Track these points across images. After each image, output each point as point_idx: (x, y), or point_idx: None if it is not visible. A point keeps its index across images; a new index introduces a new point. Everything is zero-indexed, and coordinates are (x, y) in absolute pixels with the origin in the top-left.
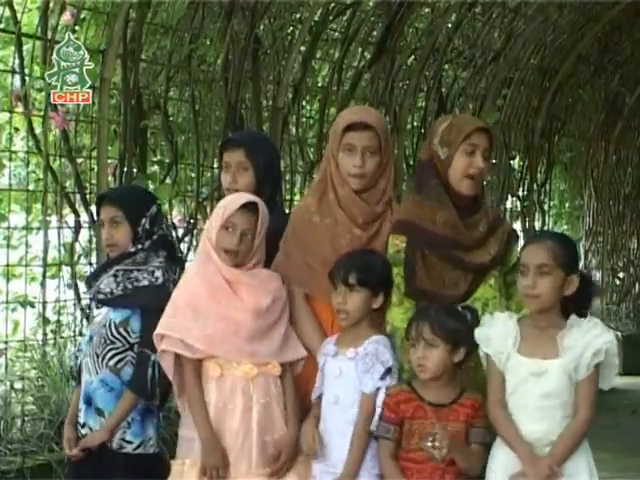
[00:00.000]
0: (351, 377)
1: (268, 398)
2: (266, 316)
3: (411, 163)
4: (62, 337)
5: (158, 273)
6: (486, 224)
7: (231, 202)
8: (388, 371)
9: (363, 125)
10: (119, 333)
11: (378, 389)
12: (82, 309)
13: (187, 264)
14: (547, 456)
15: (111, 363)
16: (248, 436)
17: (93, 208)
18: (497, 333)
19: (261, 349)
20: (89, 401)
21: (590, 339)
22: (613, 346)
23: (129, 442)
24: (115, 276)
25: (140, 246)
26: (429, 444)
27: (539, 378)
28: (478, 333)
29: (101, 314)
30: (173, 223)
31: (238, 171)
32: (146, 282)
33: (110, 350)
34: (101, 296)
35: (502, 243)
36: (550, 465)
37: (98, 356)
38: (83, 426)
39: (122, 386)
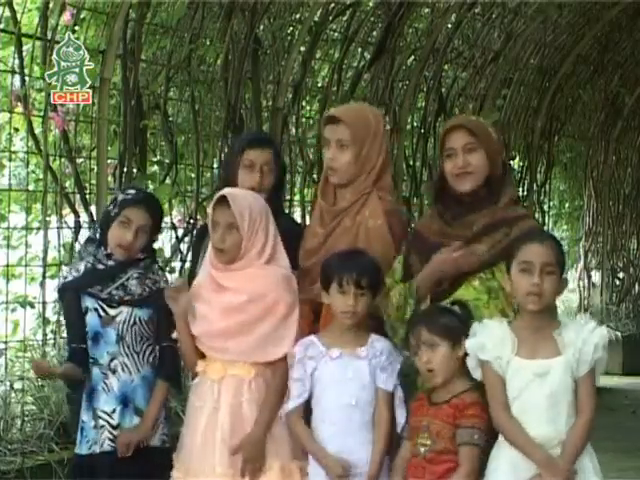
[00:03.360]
0: (366, 376)
1: (237, 401)
2: (238, 314)
3: (411, 163)
4: (62, 337)
5: (167, 277)
6: (482, 225)
7: (212, 202)
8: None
9: (334, 119)
10: (150, 329)
11: (396, 387)
12: None
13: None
14: (560, 458)
15: (151, 359)
16: (212, 436)
17: (93, 208)
18: (492, 339)
19: (233, 347)
20: (126, 401)
21: (587, 334)
22: (606, 341)
23: (167, 436)
24: (139, 278)
25: (146, 253)
26: (419, 440)
27: (544, 378)
28: (471, 342)
29: (122, 313)
30: (173, 223)
31: (267, 170)
32: (162, 284)
33: (148, 346)
34: (128, 297)
35: (501, 244)
36: (568, 468)
37: (138, 354)
38: (116, 428)
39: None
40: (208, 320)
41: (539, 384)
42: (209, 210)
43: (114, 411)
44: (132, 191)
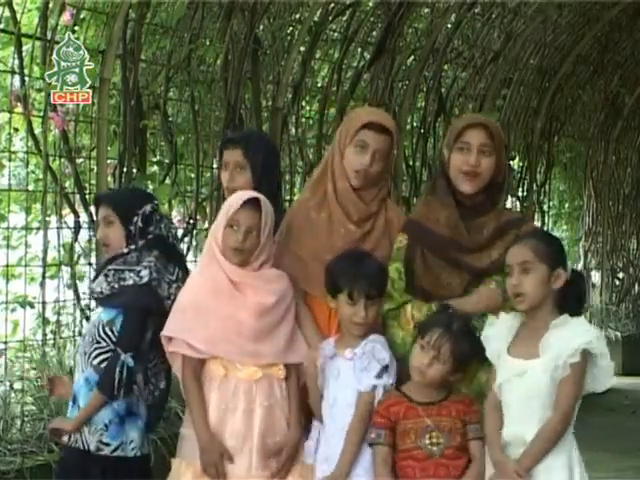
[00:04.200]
0: (348, 378)
1: (271, 401)
2: (269, 316)
3: (411, 163)
4: (62, 337)
5: (144, 272)
6: (492, 228)
7: (235, 199)
8: (385, 369)
9: (381, 127)
10: (105, 333)
11: (375, 388)
12: (82, 309)
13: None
14: (518, 459)
15: (95, 362)
16: (249, 438)
17: (93, 208)
18: (495, 333)
19: (264, 349)
20: (75, 398)
21: (569, 339)
22: (599, 346)
23: (106, 444)
24: (106, 276)
25: (133, 246)
26: (427, 441)
27: (521, 378)
28: (484, 334)
29: (97, 313)
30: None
31: (236, 170)
32: (131, 281)
33: (96, 349)
34: (94, 295)
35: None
36: (516, 470)
37: (85, 354)
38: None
39: None
40: (236, 320)
41: (516, 383)
42: (232, 208)
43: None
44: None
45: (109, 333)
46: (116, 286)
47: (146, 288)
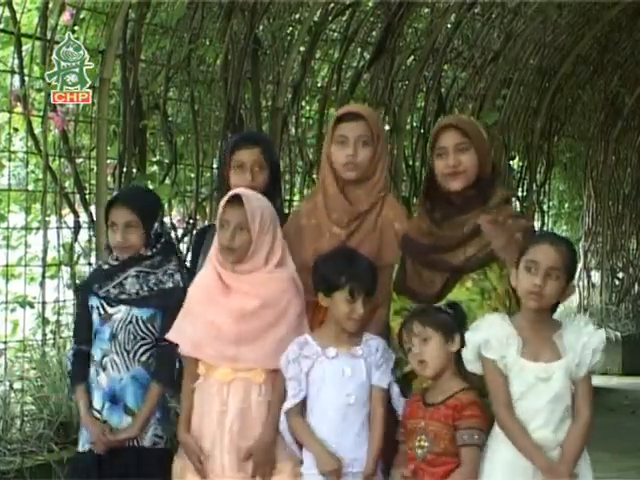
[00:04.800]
0: (363, 375)
1: (246, 404)
2: (252, 320)
3: (410, 163)
4: (61, 337)
5: (178, 276)
6: (472, 225)
7: (223, 199)
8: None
9: (355, 115)
10: (147, 329)
11: (390, 383)
12: None
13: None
14: (560, 461)
15: (143, 358)
16: (221, 440)
17: (92, 208)
18: (497, 337)
19: (247, 354)
20: (115, 399)
21: (586, 338)
22: (604, 345)
23: (161, 437)
24: (137, 277)
25: (155, 250)
26: (416, 443)
27: (547, 383)
28: (472, 336)
29: (120, 312)
30: (173, 223)
31: (255, 169)
32: (170, 284)
33: (142, 346)
34: (124, 296)
35: (491, 245)
36: (570, 472)
37: (129, 352)
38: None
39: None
40: (216, 325)
41: (542, 388)
42: (220, 208)
43: (103, 408)
44: (117, 194)
45: (151, 329)
46: (154, 288)
47: (184, 291)
